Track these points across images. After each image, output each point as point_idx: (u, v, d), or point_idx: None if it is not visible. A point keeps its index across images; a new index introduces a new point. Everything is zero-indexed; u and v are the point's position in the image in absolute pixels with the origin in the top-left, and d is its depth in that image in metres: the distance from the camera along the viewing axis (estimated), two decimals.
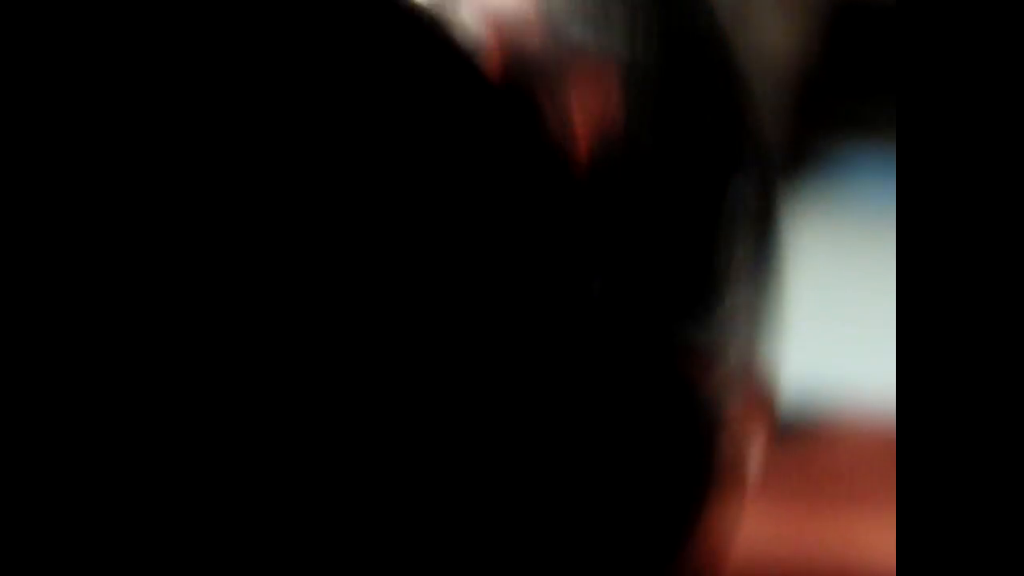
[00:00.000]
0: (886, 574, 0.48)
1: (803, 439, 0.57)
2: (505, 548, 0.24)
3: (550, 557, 0.24)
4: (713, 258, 0.25)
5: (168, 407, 0.23)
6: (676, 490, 0.26)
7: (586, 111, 0.23)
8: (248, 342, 0.23)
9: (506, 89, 0.23)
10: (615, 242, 0.23)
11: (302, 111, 0.23)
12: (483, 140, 0.23)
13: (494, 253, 0.23)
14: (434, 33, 0.22)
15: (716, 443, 0.26)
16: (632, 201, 0.23)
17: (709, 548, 0.28)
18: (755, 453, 0.28)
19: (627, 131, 0.24)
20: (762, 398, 0.28)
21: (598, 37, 0.24)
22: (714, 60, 0.27)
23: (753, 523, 0.52)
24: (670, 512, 0.26)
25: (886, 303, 0.75)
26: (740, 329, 0.26)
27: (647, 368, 0.24)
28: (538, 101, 0.23)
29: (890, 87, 1.18)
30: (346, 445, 0.23)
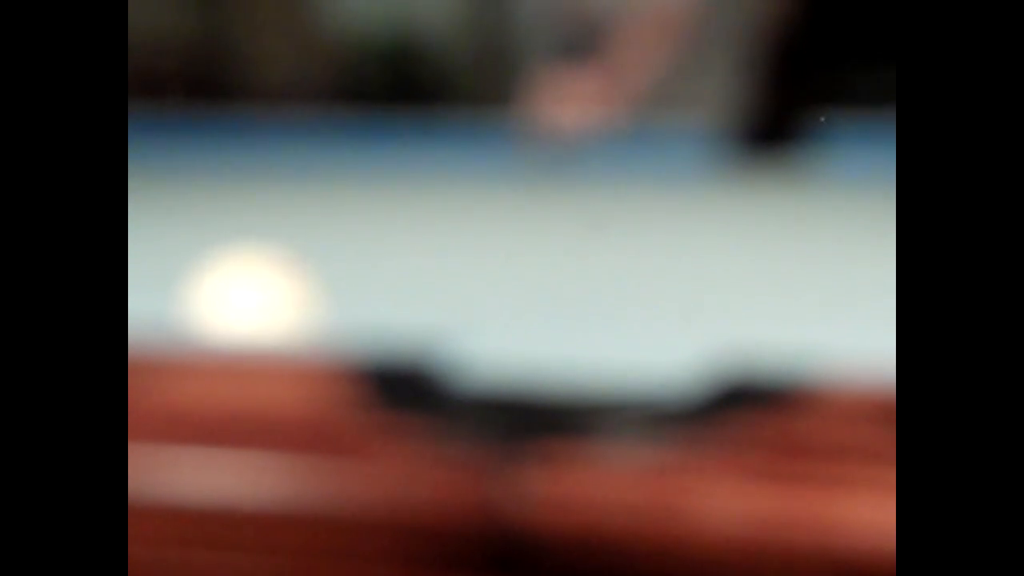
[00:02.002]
0: (880, 559, 0.46)
1: (787, 409, 0.55)
2: None
3: None
4: None
5: None
6: None
7: None
8: None
9: None
10: None
11: None
12: None
13: None
14: None
15: None
16: None
17: None
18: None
19: None
20: None
21: None
22: None
23: (729, 502, 0.50)
24: None
25: (879, 273, 0.74)
26: None
27: None
28: None
29: (881, 56, 1.17)
30: None
